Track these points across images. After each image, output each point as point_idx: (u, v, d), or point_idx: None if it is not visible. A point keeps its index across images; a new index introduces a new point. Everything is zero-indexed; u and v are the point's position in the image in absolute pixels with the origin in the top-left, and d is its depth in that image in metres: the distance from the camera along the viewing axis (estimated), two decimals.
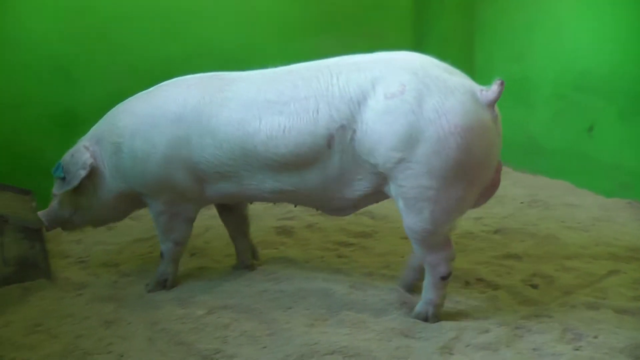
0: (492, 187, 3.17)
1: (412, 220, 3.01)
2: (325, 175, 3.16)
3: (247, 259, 3.88)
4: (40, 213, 3.77)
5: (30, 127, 3.68)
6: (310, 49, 5.53)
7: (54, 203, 3.76)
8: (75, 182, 3.53)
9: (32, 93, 4.65)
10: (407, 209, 3.00)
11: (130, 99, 3.67)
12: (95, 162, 3.58)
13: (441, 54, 5.80)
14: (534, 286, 3.55)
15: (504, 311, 3.24)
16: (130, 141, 3.47)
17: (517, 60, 5.81)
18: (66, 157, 3.61)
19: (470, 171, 2.92)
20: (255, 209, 4.81)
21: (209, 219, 4.75)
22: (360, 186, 3.16)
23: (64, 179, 3.58)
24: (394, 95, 2.92)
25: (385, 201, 4.92)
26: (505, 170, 5.59)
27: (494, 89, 2.93)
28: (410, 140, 2.87)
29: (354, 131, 3.01)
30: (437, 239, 3.05)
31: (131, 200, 3.68)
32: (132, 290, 3.67)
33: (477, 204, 3.22)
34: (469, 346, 2.92)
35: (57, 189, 3.63)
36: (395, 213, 4.66)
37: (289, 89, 3.17)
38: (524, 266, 3.80)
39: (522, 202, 5.03)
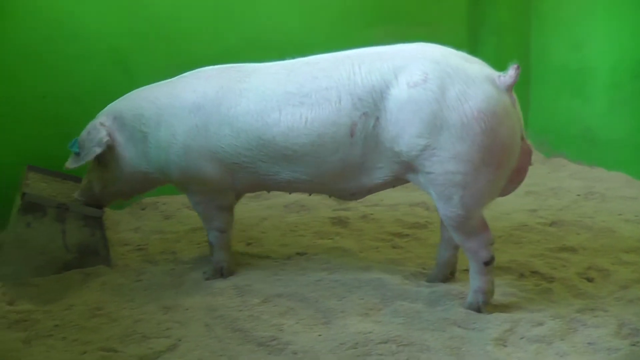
0: (520, 171, 3.21)
1: (445, 207, 3.08)
2: (345, 164, 3.23)
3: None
4: (76, 193, 3.92)
5: (89, 119, 3.75)
6: (367, 39, 5.46)
7: (85, 181, 3.90)
8: (88, 158, 3.65)
9: (91, 85, 4.71)
10: (438, 196, 3.08)
11: (150, 86, 3.78)
12: (112, 139, 3.68)
13: (496, 44, 5.83)
14: (590, 279, 3.53)
15: (559, 304, 3.23)
16: (156, 132, 3.58)
17: (574, 49, 5.74)
18: (83, 133, 3.73)
19: (496, 154, 2.97)
20: (311, 200, 4.84)
21: (265, 209, 4.81)
22: (380, 174, 3.23)
23: (79, 154, 3.70)
24: (417, 84, 2.99)
25: None
26: (562, 162, 5.60)
27: (510, 73, 3.01)
28: (434, 127, 2.95)
29: (377, 119, 3.09)
30: (472, 223, 3.09)
31: (157, 179, 3.78)
32: (189, 278, 3.73)
33: (507, 190, 3.27)
34: (522, 338, 2.92)
35: (70, 164, 3.75)
36: None
37: (309, 81, 3.25)
38: (579, 259, 3.78)
39: (578, 195, 4.99)
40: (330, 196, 3.58)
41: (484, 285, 3.18)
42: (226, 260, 3.75)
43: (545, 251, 3.91)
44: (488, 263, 3.14)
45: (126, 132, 3.68)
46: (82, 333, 3.13)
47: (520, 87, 5.94)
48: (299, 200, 4.66)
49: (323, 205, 4.78)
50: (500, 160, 3.01)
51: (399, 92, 3.03)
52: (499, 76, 3.03)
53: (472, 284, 3.22)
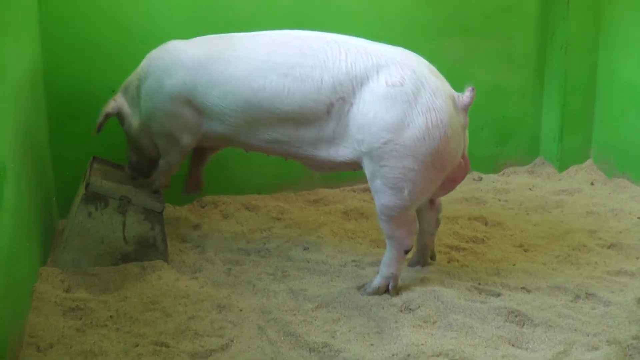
0: (455, 180, 3.62)
1: (390, 198, 3.41)
2: (319, 134, 3.57)
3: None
4: (125, 168, 4.30)
5: None
6: (436, 51, 5.52)
7: (128, 154, 4.30)
8: (97, 130, 4.03)
9: None
10: (387, 187, 3.40)
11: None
12: (122, 109, 4.10)
13: (564, 59, 5.77)
14: None
15: (615, 329, 3.17)
16: (145, 81, 3.97)
17: None
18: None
19: (443, 160, 3.36)
20: (370, 208, 4.83)
21: (323, 214, 4.81)
22: (344, 152, 3.54)
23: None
24: (394, 84, 3.34)
25: (500, 209, 4.93)
26: (623, 183, 5.51)
27: (467, 94, 3.41)
28: (402, 125, 3.30)
29: (352, 105, 3.43)
30: (408, 214, 3.49)
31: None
32: (245, 278, 3.75)
33: (438, 194, 3.70)
34: None
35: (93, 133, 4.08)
36: (509, 220, 4.67)
37: (297, 56, 3.56)
38: (639, 284, 3.71)
39: (639, 218, 4.90)
40: (302, 163, 3.87)
41: (397, 272, 3.56)
42: (161, 184, 4.17)
43: (603, 274, 3.84)
44: (408, 252, 3.59)
45: (128, 96, 4.09)
46: (135, 325, 3.17)
47: (585, 104, 5.90)
48: (359, 207, 4.66)
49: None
50: (445, 165, 3.40)
51: (377, 87, 3.37)
52: (459, 96, 3.42)
53: (384, 270, 3.55)
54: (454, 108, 3.38)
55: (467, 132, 3.52)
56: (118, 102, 4.10)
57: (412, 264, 3.91)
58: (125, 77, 4.19)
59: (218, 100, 3.74)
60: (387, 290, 3.54)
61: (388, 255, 3.57)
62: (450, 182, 3.60)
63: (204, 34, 4.71)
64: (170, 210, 4.76)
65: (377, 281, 3.57)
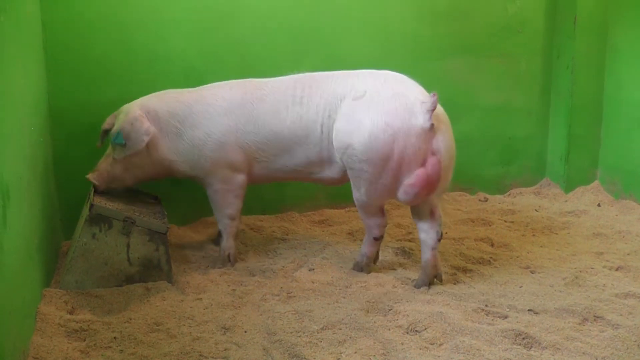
0: (424, 187, 3.80)
1: (355, 194, 3.98)
2: (320, 151, 4.08)
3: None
4: (91, 175, 4.12)
5: None
6: (441, 71, 5.52)
7: (104, 165, 4.18)
8: (138, 148, 4.10)
9: None
10: (353, 184, 3.97)
11: (180, 91, 4.34)
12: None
13: (570, 78, 5.75)
14: None
15: (624, 353, 3.14)
16: (191, 131, 4.18)
17: None
18: (125, 125, 4.07)
19: (397, 164, 3.74)
20: None
21: (328, 235, 4.80)
22: (338, 167, 4.09)
23: (124, 145, 4.08)
24: (357, 98, 3.88)
25: (506, 230, 4.90)
26: (630, 205, 5.48)
27: (430, 100, 3.68)
28: (357, 132, 3.78)
29: (334, 120, 3.96)
30: (371, 209, 4.04)
31: (175, 169, 4.26)
32: (250, 299, 3.73)
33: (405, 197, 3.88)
34: None
35: (118, 155, 4.12)
36: (515, 242, 4.65)
37: (308, 87, 4.10)
38: None
39: None
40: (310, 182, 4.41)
41: (369, 252, 4.18)
42: (233, 247, 4.33)
43: (610, 296, 3.80)
44: (377, 239, 4.16)
45: (160, 125, 4.18)
46: (140, 347, 3.15)
47: (592, 125, 5.88)
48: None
49: (387, 236, 4.73)
50: (397, 169, 3.76)
51: (348, 102, 3.91)
52: (422, 102, 3.74)
53: (362, 248, 4.20)
54: (408, 114, 3.72)
55: (447, 138, 3.81)
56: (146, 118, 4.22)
57: (417, 285, 3.94)
58: (129, 97, 4.21)
59: None
60: (361, 269, 4.17)
61: (365, 238, 4.21)
62: (419, 188, 3.80)
63: (209, 54, 4.75)
64: (174, 230, 4.76)
65: (358, 258, 4.23)
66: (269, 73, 4.39)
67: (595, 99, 5.87)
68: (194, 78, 4.69)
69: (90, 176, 4.12)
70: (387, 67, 4.23)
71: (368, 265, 4.18)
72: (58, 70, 4.54)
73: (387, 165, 3.74)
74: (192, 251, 4.50)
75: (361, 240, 4.36)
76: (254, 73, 4.46)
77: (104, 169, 4.16)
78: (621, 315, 3.55)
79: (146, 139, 4.07)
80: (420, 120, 3.69)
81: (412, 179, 3.75)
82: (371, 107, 3.79)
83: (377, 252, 4.28)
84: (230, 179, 4.22)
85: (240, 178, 4.23)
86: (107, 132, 4.18)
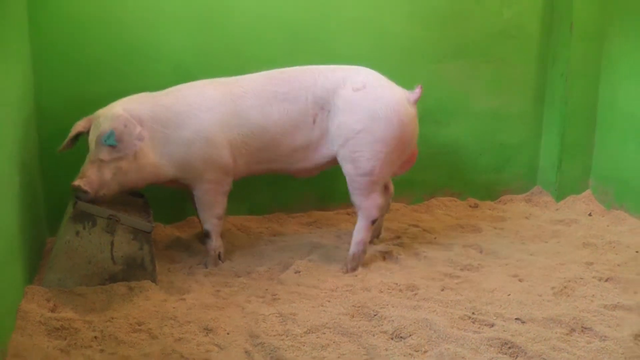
0: (409, 162, 4.56)
1: (361, 174, 4.19)
2: (308, 142, 4.30)
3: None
4: (77, 182, 3.85)
5: None
6: (435, 75, 5.49)
7: (91, 170, 3.92)
8: (129, 151, 3.99)
9: None
10: (359, 167, 4.19)
11: (159, 93, 4.25)
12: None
13: (565, 86, 5.72)
14: None
15: None
16: (177, 132, 4.12)
17: None
18: (118, 126, 3.94)
19: (403, 144, 4.25)
20: None
21: (316, 237, 4.77)
22: (326, 153, 4.33)
23: (115, 147, 3.93)
24: (358, 89, 4.20)
25: (495, 237, 4.87)
26: (622, 215, 5.45)
27: (416, 91, 4.25)
28: (369, 118, 4.14)
29: (329, 111, 4.24)
30: (375, 187, 4.25)
31: (161, 173, 4.16)
32: (234, 300, 3.70)
33: (399, 172, 4.57)
34: None
35: (105, 156, 3.93)
36: (504, 249, 4.61)
37: (288, 83, 4.27)
38: (636, 319, 3.63)
39: (637, 251, 4.83)
40: (288, 174, 4.57)
41: (366, 238, 4.29)
42: (221, 246, 4.37)
43: (599, 307, 3.75)
44: (374, 222, 4.31)
45: (145, 130, 4.07)
46: (120, 347, 3.12)
47: (585, 133, 5.85)
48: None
49: (376, 239, 4.71)
50: (404, 147, 4.29)
51: (345, 93, 4.21)
52: (409, 93, 4.25)
53: (356, 236, 4.27)
54: (408, 103, 4.22)
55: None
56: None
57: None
58: (117, 94, 4.17)
59: None
60: (359, 259, 4.26)
61: (358, 225, 4.31)
62: (407, 163, 4.53)
63: (200, 51, 4.72)
64: (159, 229, 4.73)
65: (353, 247, 4.29)
66: (262, 69, 4.38)
67: (589, 107, 5.84)
68: (183, 75, 4.64)
69: (79, 182, 3.84)
70: (381, 70, 4.25)
71: (364, 254, 4.31)
72: (44, 67, 4.51)
73: (398, 143, 4.20)
74: (178, 251, 4.47)
75: (349, 243, 4.31)
76: (247, 70, 4.42)
77: (93, 174, 3.90)
78: (609, 326, 3.51)
79: (138, 144, 4.00)
80: (413, 107, 4.26)
81: (409, 158, 4.50)
82: (377, 96, 4.18)
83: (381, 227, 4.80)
84: (220, 177, 4.22)
85: (230, 175, 4.26)
86: (78, 135, 4.04)
